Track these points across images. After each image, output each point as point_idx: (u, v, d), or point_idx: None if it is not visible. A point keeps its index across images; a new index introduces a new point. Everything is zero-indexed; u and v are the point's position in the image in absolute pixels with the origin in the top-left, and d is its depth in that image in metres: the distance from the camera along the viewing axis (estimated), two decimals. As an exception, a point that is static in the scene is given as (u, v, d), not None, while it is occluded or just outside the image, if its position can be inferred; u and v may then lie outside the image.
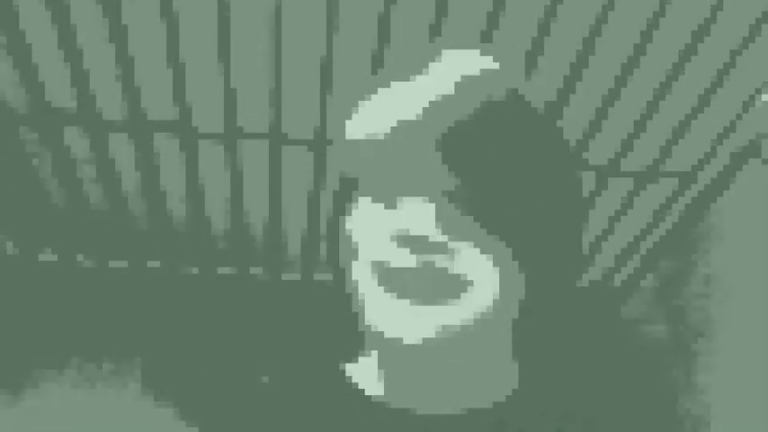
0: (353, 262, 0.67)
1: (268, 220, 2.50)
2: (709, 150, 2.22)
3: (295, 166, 2.25)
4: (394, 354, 0.72)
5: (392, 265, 0.63)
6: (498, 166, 0.60)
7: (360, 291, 0.67)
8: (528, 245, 0.65)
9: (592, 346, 2.93)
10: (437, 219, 0.61)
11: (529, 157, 0.62)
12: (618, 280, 2.84)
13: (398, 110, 0.62)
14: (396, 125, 0.62)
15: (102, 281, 2.80)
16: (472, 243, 0.62)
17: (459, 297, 0.63)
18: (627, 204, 2.43)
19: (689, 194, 2.38)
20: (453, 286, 0.63)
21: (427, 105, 0.61)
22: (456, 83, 0.62)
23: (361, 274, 0.66)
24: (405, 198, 0.62)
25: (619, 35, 1.87)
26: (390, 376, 0.75)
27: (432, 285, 0.62)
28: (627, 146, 2.20)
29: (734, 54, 1.92)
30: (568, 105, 2.06)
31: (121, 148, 2.18)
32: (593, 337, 2.95)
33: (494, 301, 0.66)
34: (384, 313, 0.65)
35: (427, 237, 0.61)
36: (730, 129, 2.14)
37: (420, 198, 0.61)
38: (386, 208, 0.63)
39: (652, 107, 2.07)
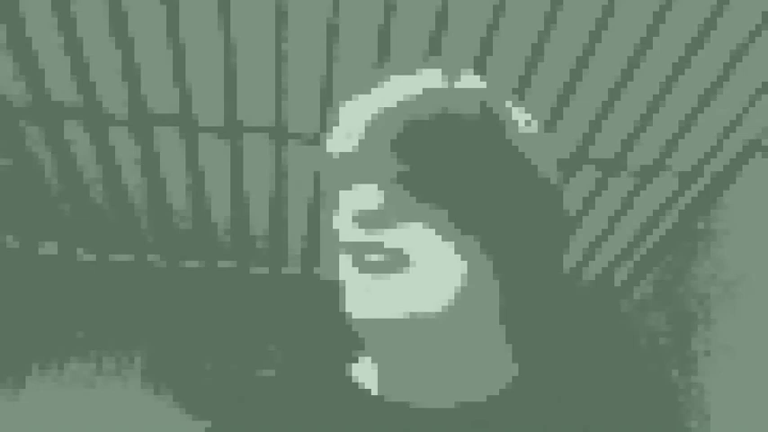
0: (329, 250, 0.72)
1: (269, 214, 2.50)
2: (712, 147, 2.21)
3: (297, 160, 2.25)
4: (384, 345, 0.73)
5: (359, 247, 0.69)
6: (457, 165, 0.69)
7: (337, 277, 0.71)
8: (493, 232, 0.71)
9: (592, 341, 2.93)
10: (390, 202, 0.69)
11: (487, 161, 0.71)
12: (619, 277, 2.84)
13: (369, 113, 0.72)
14: (364, 126, 0.71)
15: (103, 275, 2.80)
16: (429, 225, 0.69)
17: (422, 274, 0.69)
18: (629, 201, 2.43)
19: (691, 191, 2.38)
20: (413, 262, 0.69)
21: (391, 111, 0.70)
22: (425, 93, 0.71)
23: (335, 262, 0.73)
24: (361, 185, 0.70)
25: (623, 32, 1.86)
26: (383, 370, 0.76)
27: (394, 262, 0.69)
28: (630, 143, 2.19)
29: (738, 51, 1.91)
30: (572, 102, 2.06)
31: (122, 142, 2.18)
32: (594, 333, 2.95)
33: (462, 285, 0.71)
34: (358, 293, 0.70)
35: (385, 217, 0.69)
36: (733, 126, 2.14)
37: (374, 185, 0.69)
38: (346, 197, 0.71)
39: (655, 104, 2.07)
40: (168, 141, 2.18)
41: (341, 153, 0.72)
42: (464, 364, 0.74)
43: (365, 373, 0.79)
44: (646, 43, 1.89)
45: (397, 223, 0.69)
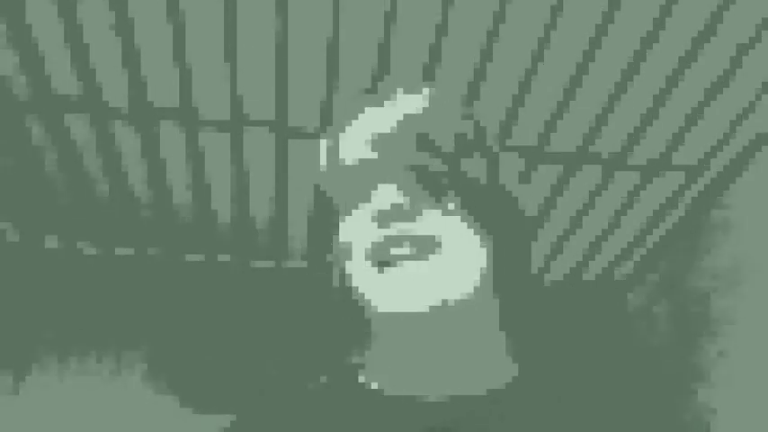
0: (344, 252, 0.78)
1: (273, 209, 2.49)
2: (718, 142, 2.20)
3: (299, 155, 2.25)
4: (390, 339, 0.76)
5: (385, 243, 0.73)
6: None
7: (352, 276, 0.77)
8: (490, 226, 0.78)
9: (596, 337, 2.93)
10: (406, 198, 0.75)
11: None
12: (623, 272, 2.84)
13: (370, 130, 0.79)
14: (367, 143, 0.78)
15: (106, 268, 2.80)
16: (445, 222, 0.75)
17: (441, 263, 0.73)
18: (633, 197, 2.42)
19: (697, 186, 2.37)
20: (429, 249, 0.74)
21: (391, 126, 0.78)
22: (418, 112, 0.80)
23: (351, 261, 0.76)
24: (380, 186, 0.75)
25: (628, 26, 1.85)
26: (388, 364, 0.78)
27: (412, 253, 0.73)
28: (634, 139, 2.19)
29: (744, 45, 1.90)
30: (577, 97, 2.05)
31: (125, 136, 2.18)
32: (598, 328, 2.95)
33: (485, 271, 0.77)
34: (374, 289, 0.74)
35: (401, 209, 0.74)
36: (739, 120, 2.13)
37: (393, 184, 0.75)
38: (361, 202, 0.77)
39: (659, 100, 2.06)
40: (170, 135, 2.18)
41: (357, 159, 0.77)
42: (465, 356, 0.77)
43: (370, 367, 0.80)
44: (651, 37, 1.88)
45: (421, 214, 0.74)
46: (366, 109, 0.81)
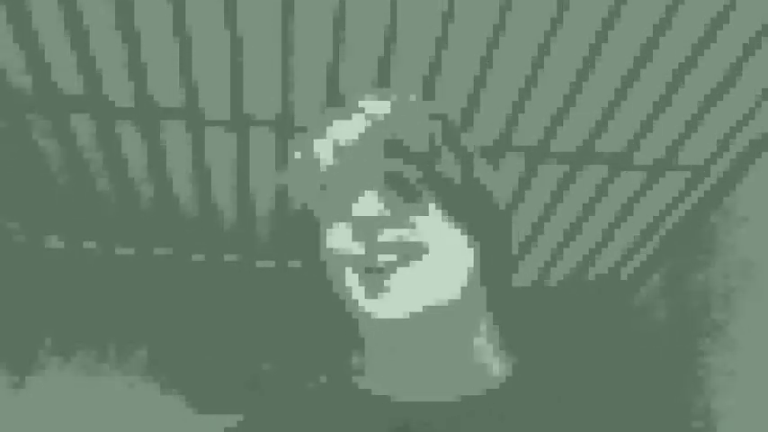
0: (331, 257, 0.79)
1: (275, 208, 2.49)
2: (723, 141, 2.20)
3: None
4: (382, 343, 0.77)
5: (370, 250, 0.74)
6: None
7: (341, 281, 0.78)
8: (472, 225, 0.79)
9: (600, 337, 2.92)
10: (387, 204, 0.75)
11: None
12: (627, 272, 2.83)
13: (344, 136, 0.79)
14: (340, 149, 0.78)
15: (109, 267, 2.80)
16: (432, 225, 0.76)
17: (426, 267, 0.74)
18: (638, 197, 2.42)
19: (703, 186, 2.37)
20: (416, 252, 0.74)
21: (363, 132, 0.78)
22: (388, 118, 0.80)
23: (339, 266, 0.77)
24: (360, 195, 0.76)
25: (632, 28, 1.85)
26: (381, 367, 0.79)
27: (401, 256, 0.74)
28: (639, 139, 2.18)
29: (748, 47, 1.89)
30: (581, 97, 2.04)
31: (129, 135, 2.17)
32: (602, 328, 2.94)
33: (474, 271, 0.77)
34: (363, 296, 0.74)
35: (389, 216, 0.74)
36: (745, 120, 2.12)
37: (374, 192, 0.75)
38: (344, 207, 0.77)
39: (664, 99, 2.05)
40: (174, 134, 2.18)
41: (330, 165, 0.78)
42: (462, 356, 0.78)
43: (366, 371, 0.81)
44: (656, 36, 1.87)
45: (404, 219, 0.74)
46: (334, 120, 0.81)
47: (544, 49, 1.90)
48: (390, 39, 1.87)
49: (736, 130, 2.16)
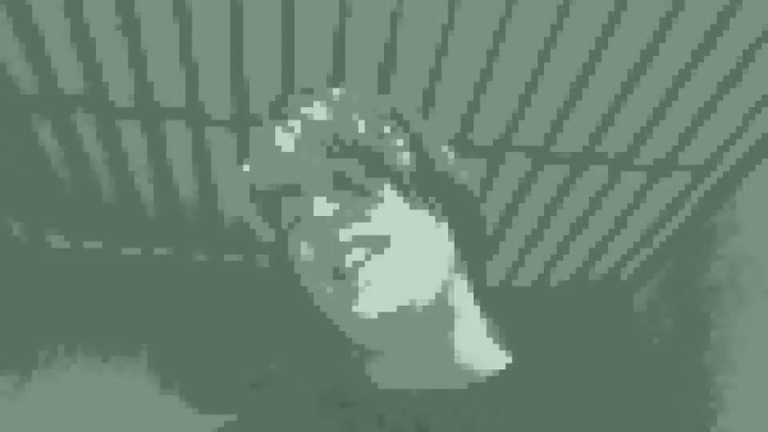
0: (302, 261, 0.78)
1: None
2: (725, 142, 2.20)
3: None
4: (366, 341, 0.76)
5: (336, 250, 0.73)
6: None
7: (312, 287, 0.77)
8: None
9: (601, 337, 2.92)
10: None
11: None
12: (628, 273, 2.83)
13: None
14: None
15: (110, 266, 2.80)
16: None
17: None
18: (640, 197, 2.42)
19: (704, 186, 2.37)
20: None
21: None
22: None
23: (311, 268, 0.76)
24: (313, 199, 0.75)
25: (635, 26, 1.85)
26: (382, 360, 0.78)
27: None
28: (640, 139, 2.18)
29: (750, 47, 1.89)
30: (584, 96, 2.04)
31: (131, 134, 2.17)
32: (603, 329, 2.94)
33: (453, 262, 0.77)
34: (338, 298, 0.73)
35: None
36: (745, 122, 2.12)
37: (323, 197, 0.75)
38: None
39: (666, 100, 2.05)
40: (176, 133, 2.18)
41: (278, 172, 0.78)
42: (457, 346, 0.77)
43: (370, 365, 0.80)
44: (659, 37, 1.87)
45: (360, 215, 0.73)
46: (277, 123, 0.81)
47: (546, 51, 1.90)
48: (394, 29, 1.87)
49: (738, 131, 2.16)
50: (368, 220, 0.73)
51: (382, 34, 1.86)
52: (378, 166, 0.75)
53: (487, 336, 0.80)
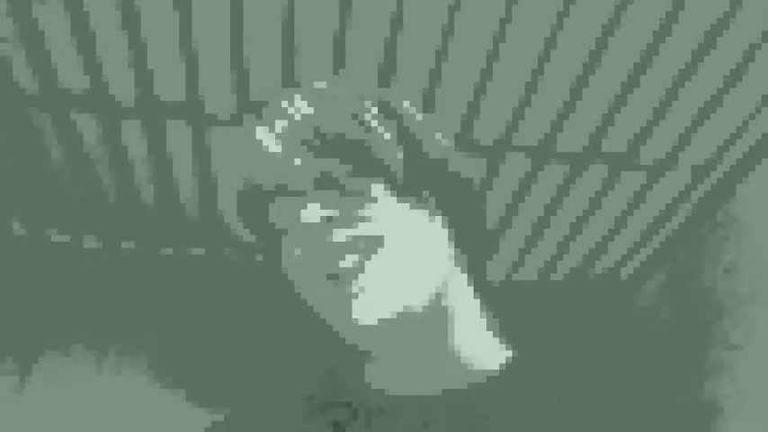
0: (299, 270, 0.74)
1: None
2: (723, 143, 2.20)
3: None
4: (365, 345, 0.74)
5: (331, 253, 0.70)
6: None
7: (307, 292, 0.74)
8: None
9: (601, 336, 2.92)
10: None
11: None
12: (630, 272, 2.83)
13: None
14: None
15: (111, 263, 2.81)
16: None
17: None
18: (640, 197, 2.42)
19: (702, 187, 2.37)
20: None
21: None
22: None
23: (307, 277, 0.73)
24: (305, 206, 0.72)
25: (635, 28, 1.85)
26: (382, 364, 0.77)
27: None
28: (641, 138, 2.18)
29: (751, 47, 1.89)
30: (584, 95, 2.04)
31: (132, 133, 2.18)
32: (603, 327, 2.94)
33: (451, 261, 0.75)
34: (333, 303, 0.71)
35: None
36: (746, 122, 2.12)
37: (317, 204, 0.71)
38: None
39: (667, 100, 2.05)
40: (177, 131, 2.18)
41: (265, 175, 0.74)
42: (459, 344, 0.76)
43: (367, 367, 0.80)
44: (659, 36, 1.87)
45: (351, 215, 0.70)
46: (259, 121, 0.78)
47: (546, 51, 1.90)
48: (394, 29, 1.87)
49: (738, 131, 2.16)
50: (360, 221, 0.70)
51: (382, 34, 1.86)
52: (366, 161, 0.72)
53: (487, 332, 0.79)
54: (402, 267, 0.70)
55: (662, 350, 2.62)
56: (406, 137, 0.75)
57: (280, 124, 0.75)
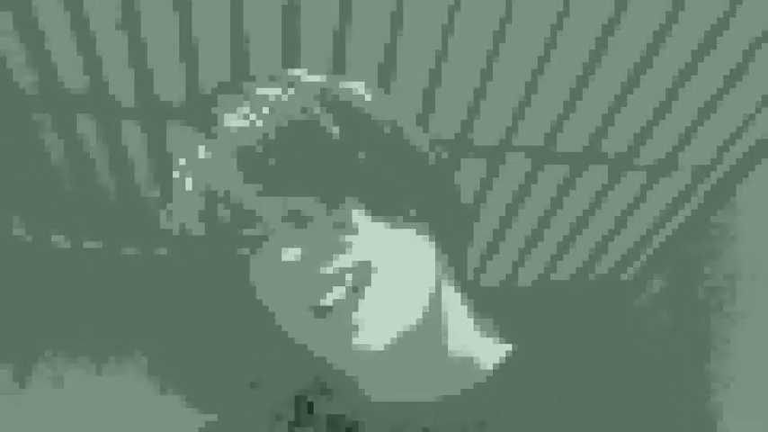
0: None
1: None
2: (723, 144, 2.20)
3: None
4: (371, 367, 0.72)
5: (319, 285, 0.66)
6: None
7: (290, 325, 0.71)
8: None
9: (601, 337, 2.92)
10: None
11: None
12: (629, 273, 2.83)
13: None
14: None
15: (111, 266, 2.80)
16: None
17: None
18: (640, 197, 2.42)
19: (702, 188, 2.37)
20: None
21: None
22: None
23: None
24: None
25: (637, 25, 1.85)
26: (373, 375, 0.75)
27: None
28: (641, 139, 2.18)
29: (751, 47, 1.89)
30: (585, 96, 2.04)
31: (133, 134, 2.18)
32: (603, 329, 2.94)
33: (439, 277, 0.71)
34: (320, 335, 0.68)
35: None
36: (746, 122, 2.12)
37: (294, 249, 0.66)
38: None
39: (667, 100, 2.05)
40: (177, 133, 2.17)
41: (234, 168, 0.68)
42: (452, 349, 0.74)
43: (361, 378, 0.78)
44: (659, 37, 1.87)
45: (332, 246, 0.66)
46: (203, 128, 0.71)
47: (546, 51, 1.90)
48: (394, 30, 1.87)
49: (738, 131, 2.16)
50: (341, 251, 0.66)
51: (382, 35, 1.86)
52: (332, 171, 0.66)
53: (480, 330, 0.78)
54: (392, 289, 0.67)
55: (662, 351, 2.62)
56: (375, 132, 0.69)
57: (220, 132, 0.69)
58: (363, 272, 0.66)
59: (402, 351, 0.69)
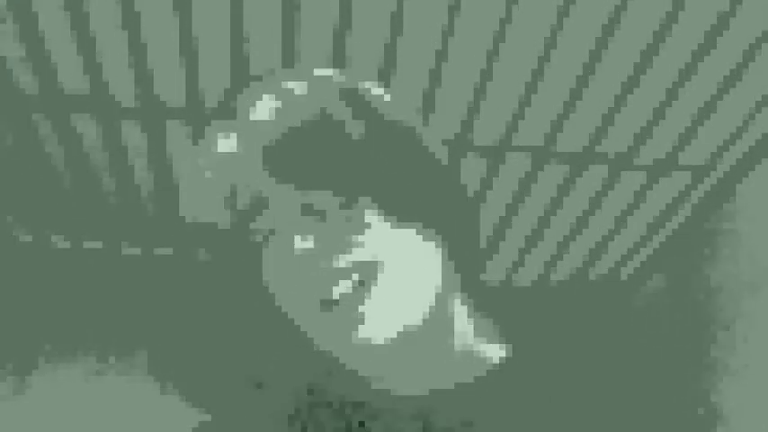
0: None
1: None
2: (723, 144, 2.20)
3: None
4: (375, 362, 0.72)
5: (325, 280, 0.67)
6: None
7: (298, 317, 0.72)
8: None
9: (601, 337, 2.92)
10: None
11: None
12: (629, 272, 2.83)
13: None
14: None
15: (113, 267, 2.81)
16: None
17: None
18: (640, 197, 2.42)
19: (702, 188, 2.37)
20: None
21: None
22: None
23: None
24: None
25: (634, 28, 1.85)
26: (372, 368, 0.75)
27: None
28: (641, 139, 2.18)
29: (751, 47, 1.89)
30: (584, 96, 2.05)
31: (133, 134, 2.18)
32: (603, 328, 2.94)
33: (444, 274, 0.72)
34: (327, 329, 0.69)
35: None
36: (746, 122, 2.12)
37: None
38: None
39: (666, 100, 2.05)
40: (177, 133, 2.18)
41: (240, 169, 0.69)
42: (449, 349, 0.75)
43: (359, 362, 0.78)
44: (659, 37, 1.87)
45: (343, 240, 0.67)
46: (223, 124, 0.73)
47: (546, 51, 1.90)
48: (394, 30, 1.87)
49: (738, 131, 2.16)
50: (352, 246, 0.67)
51: (382, 35, 1.86)
52: (359, 167, 0.68)
53: (482, 332, 0.79)
54: (398, 286, 0.68)
55: (661, 351, 2.62)
56: (381, 130, 0.70)
57: (243, 129, 0.70)
58: (371, 268, 0.67)
59: (404, 345, 0.70)
